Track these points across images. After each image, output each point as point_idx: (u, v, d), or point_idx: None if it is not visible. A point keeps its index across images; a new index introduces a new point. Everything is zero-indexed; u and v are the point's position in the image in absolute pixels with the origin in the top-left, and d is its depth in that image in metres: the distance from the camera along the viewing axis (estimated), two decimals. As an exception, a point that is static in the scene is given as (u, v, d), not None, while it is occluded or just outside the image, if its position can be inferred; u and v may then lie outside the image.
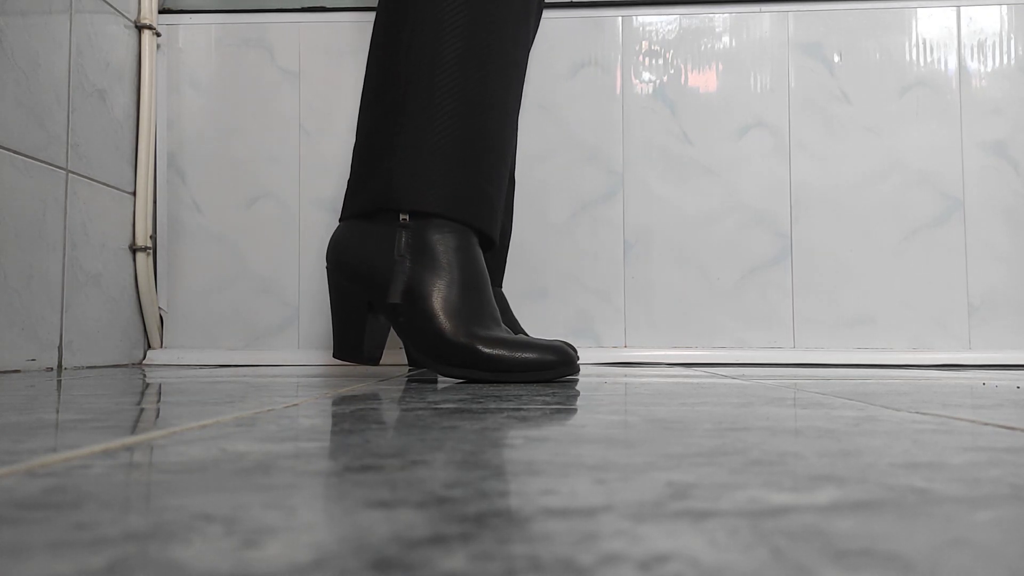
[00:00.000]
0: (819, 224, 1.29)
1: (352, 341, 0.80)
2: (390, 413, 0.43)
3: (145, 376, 0.87)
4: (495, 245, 0.83)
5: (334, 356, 0.82)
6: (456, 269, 0.76)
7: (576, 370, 0.77)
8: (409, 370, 1.01)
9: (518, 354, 0.74)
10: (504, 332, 0.76)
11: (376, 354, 0.82)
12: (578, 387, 0.67)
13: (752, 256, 1.29)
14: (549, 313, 1.29)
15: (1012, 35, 1.29)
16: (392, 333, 1.08)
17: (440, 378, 0.80)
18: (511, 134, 0.83)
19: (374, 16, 0.88)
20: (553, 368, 0.75)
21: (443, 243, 0.77)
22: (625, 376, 0.86)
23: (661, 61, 1.31)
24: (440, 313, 0.74)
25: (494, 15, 0.80)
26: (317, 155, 1.32)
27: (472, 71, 0.78)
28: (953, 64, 1.29)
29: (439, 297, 0.75)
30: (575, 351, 1.13)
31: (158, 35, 1.29)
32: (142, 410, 0.45)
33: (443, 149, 0.77)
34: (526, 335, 1.15)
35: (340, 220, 0.83)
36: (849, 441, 0.32)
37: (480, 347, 0.73)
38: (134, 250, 1.24)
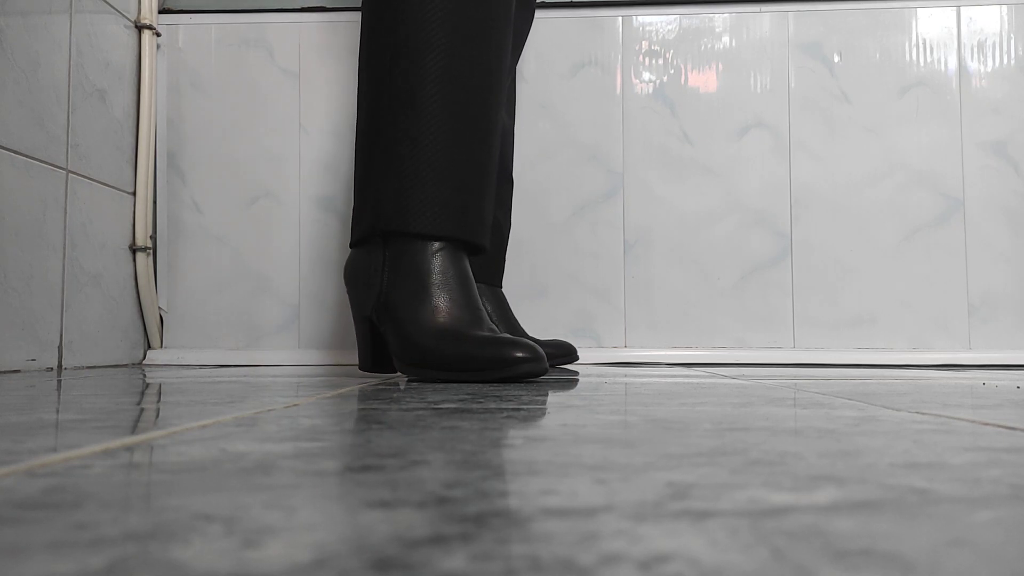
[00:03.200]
0: (819, 224, 1.29)
1: (368, 353, 0.85)
2: (390, 413, 0.43)
3: (145, 376, 0.87)
4: (485, 250, 0.85)
5: (359, 368, 0.88)
6: (429, 276, 0.79)
7: (544, 369, 0.73)
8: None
9: (482, 351, 0.73)
10: (486, 331, 0.76)
11: (388, 365, 0.86)
12: (578, 387, 0.67)
13: (752, 256, 1.29)
14: (549, 313, 1.29)
15: (1012, 35, 1.29)
16: None
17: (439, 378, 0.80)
18: (495, 141, 0.85)
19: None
20: (516, 365, 0.71)
21: (418, 257, 0.79)
22: (625, 376, 0.86)
23: (661, 61, 1.31)
24: (408, 318, 0.78)
25: (476, 28, 0.81)
26: (317, 155, 1.32)
27: (455, 91, 0.80)
28: (953, 64, 1.29)
29: (409, 305, 0.78)
30: (574, 350, 1.14)
31: (158, 35, 1.29)
32: (142, 410, 0.45)
33: (428, 171, 0.79)
34: (526, 335, 1.15)
35: (350, 247, 0.87)
36: (849, 441, 0.32)
37: (444, 347, 0.74)
38: (134, 250, 1.24)
